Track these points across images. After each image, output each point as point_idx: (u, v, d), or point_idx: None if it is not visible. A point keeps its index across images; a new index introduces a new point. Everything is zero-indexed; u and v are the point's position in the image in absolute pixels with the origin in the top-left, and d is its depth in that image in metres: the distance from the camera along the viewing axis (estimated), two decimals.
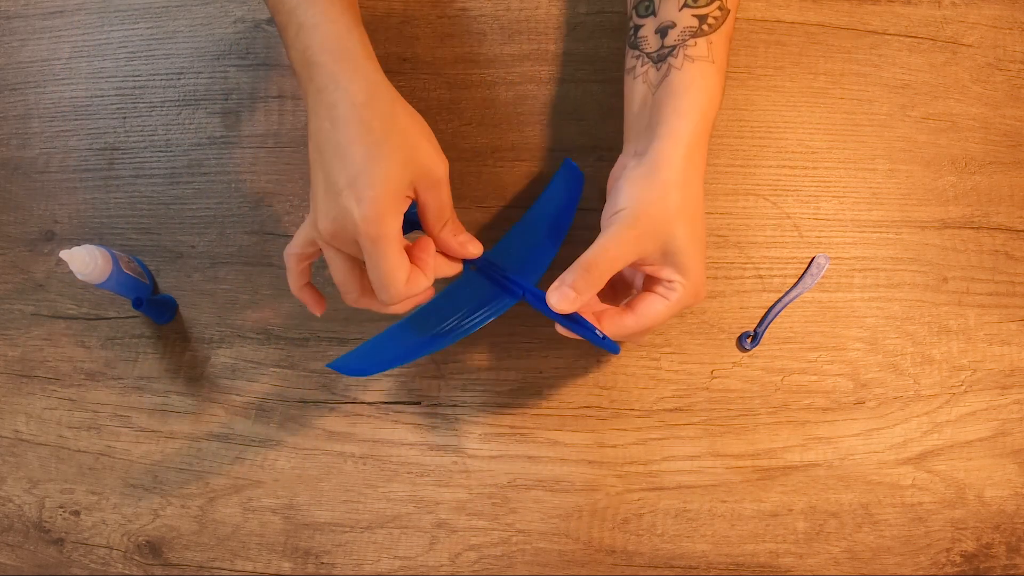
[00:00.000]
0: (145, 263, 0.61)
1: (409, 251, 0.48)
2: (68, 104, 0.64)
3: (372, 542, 0.57)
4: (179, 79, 0.64)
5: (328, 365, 0.48)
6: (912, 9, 0.63)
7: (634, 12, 0.53)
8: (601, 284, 0.47)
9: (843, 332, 0.59)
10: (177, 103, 0.64)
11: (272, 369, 0.59)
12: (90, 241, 0.59)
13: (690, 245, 0.47)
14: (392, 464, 0.58)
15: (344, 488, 0.58)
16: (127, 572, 0.57)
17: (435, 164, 0.47)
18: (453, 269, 0.51)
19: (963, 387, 0.58)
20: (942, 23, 0.63)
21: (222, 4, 0.65)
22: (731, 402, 0.58)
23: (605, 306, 0.50)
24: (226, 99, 0.63)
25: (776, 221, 0.60)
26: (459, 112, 0.62)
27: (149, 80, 0.64)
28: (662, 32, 0.51)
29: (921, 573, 0.56)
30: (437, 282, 0.49)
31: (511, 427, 0.58)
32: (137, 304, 0.56)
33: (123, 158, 0.63)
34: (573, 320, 0.48)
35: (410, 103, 0.48)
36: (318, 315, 0.53)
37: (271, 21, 0.64)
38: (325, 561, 0.57)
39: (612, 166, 0.52)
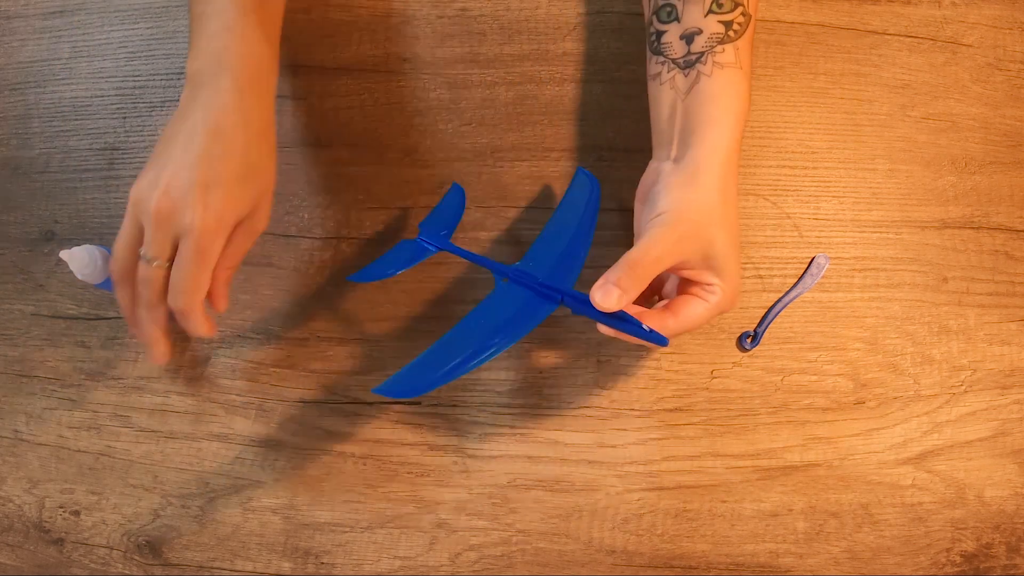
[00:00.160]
0: None
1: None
2: (68, 104, 0.64)
3: (372, 542, 0.57)
4: (179, 79, 0.64)
5: (374, 390, 0.47)
6: (912, 9, 0.63)
7: (655, 18, 0.53)
8: (645, 283, 0.47)
9: (843, 332, 0.59)
10: (177, 103, 0.63)
11: (272, 369, 0.59)
12: (90, 241, 0.59)
13: (729, 249, 0.48)
14: (392, 464, 0.58)
15: (344, 488, 0.58)
16: (127, 572, 0.57)
17: (267, 215, 0.51)
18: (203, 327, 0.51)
19: (963, 387, 0.58)
20: (942, 23, 0.63)
21: None
22: (731, 402, 0.58)
23: (642, 309, 0.50)
24: None
25: (776, 221, 0.60)
26: (459, 112, 0.62)
27: (149, 80, 0.64)
28: (688, 38, 0.51)
29: (921, 573, 0.56)
30: (472, 298, 0.49)
31: (511, 427, 0.58)
32: None
33: (123, 158, 0.63)
34: (618, 318, 0.47)
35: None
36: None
37: None
38: (325, 561, 0.57)
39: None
